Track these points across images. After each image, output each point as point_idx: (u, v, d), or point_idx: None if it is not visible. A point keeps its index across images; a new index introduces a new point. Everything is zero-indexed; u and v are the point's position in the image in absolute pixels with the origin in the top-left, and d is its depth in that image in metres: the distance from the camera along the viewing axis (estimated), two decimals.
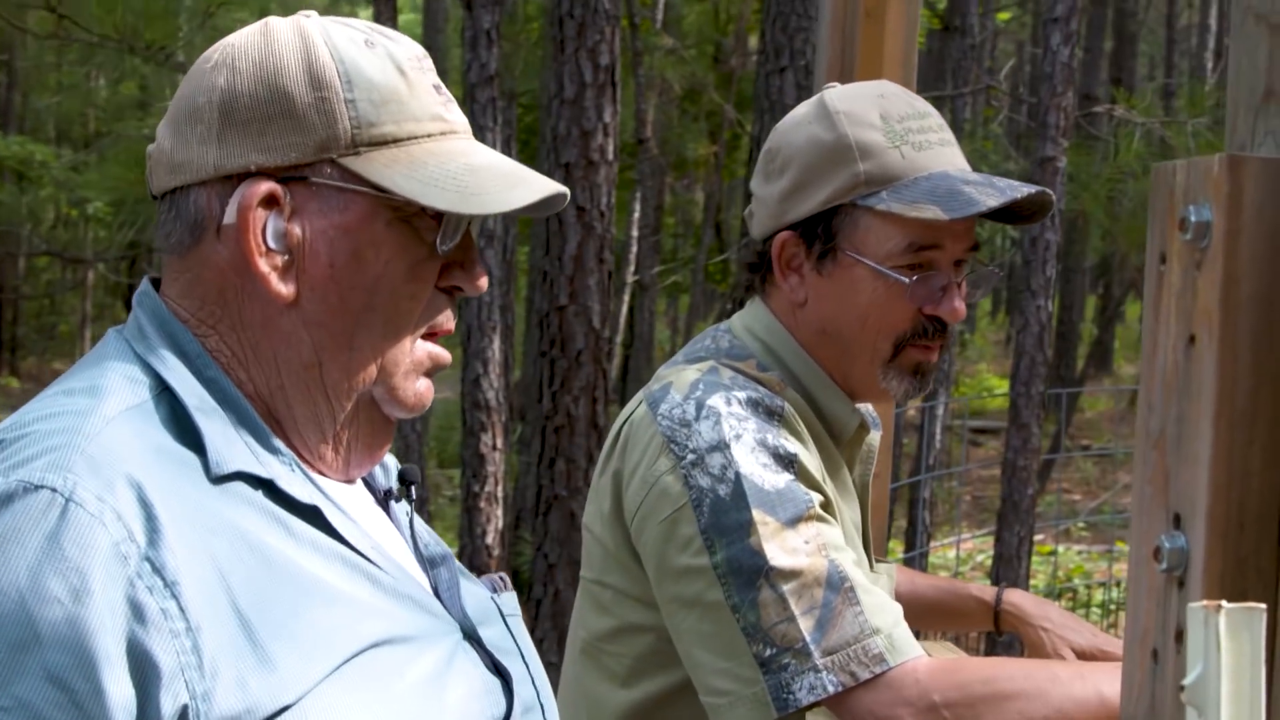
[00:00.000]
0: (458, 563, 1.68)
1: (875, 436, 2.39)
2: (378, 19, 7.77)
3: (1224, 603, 1.09)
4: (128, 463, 1.31)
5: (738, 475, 1.98)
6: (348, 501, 1.54)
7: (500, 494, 7.05)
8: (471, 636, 1.54)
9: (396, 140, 1.47)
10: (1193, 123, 5.91)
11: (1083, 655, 2.42)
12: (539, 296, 6.05)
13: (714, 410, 2.05)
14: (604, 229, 5.80)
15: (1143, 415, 1.28)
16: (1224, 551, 1.18)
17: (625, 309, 12.41)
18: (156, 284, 1.54)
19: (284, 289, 1.45)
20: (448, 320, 1.54)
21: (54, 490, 1.27)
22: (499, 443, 6.96)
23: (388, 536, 1.59)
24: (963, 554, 10.45)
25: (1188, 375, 1.21)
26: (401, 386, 1.51)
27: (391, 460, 1.71)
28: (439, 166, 1.47)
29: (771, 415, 2.07)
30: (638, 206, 11.56)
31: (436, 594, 1.58)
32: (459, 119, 1.54)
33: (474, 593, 1.64)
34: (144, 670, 1.25)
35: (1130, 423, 20.40)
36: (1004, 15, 20.00)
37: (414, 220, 1.47)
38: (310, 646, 1.34)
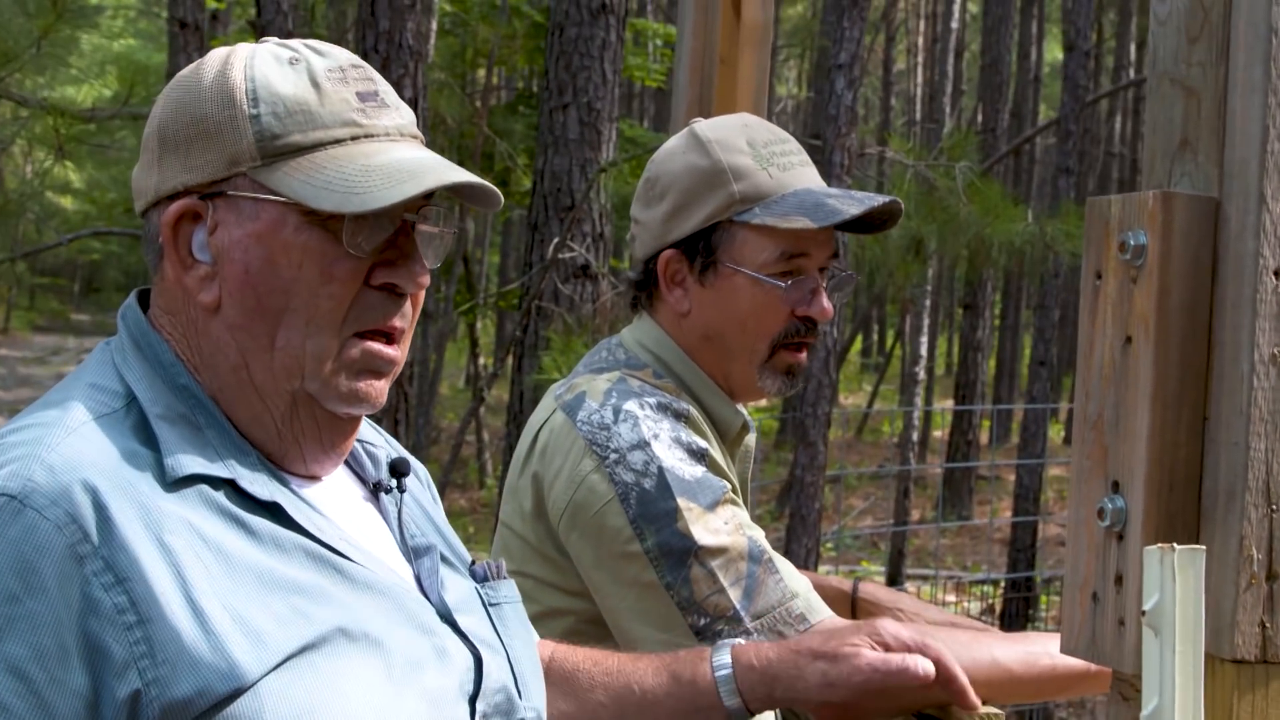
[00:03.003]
0: (448, 552, 1.78)
1: (752, 438, 2.66)
2: None
3: (1175, 545, 1.37)
4: (85, 470, 1.43)
5: (660, 469, 2.22)
6: (321, 497, 1.63)
7: None
8: (447, 622, 1.65)
9: (302, 149, 1.56)
10: (959, 166, 6.40)
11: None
12: None
13: (631, 414, 2.28)
14: None
15: (1080, 403, 1.56)
16: (1157, 509, 1.47)
17: None
18: (145, 295, 1.67)
19: (206, 297, 1.58)
20: (387, 318, 1.60)
21: (10, 496, 1.40)
22: None
23: (369, 528, 1.69)
24: None
25: (1124, 369, 1.50)
26: (333, 383, 1.58)
27: (383, 453, 1.80)
28: (336, 170, 1.55)
29: (679, 417, 2.31)
30: None
31: (419, 583, 1.68)
32: (384, 122, 1.61)
33: (457, 583, 1.74)
34: (98, 660, 1.38)
35: (858, 450, 21.16)
36: None
37: (329, 224, 1.55)
38: (265, 633, 1.44)
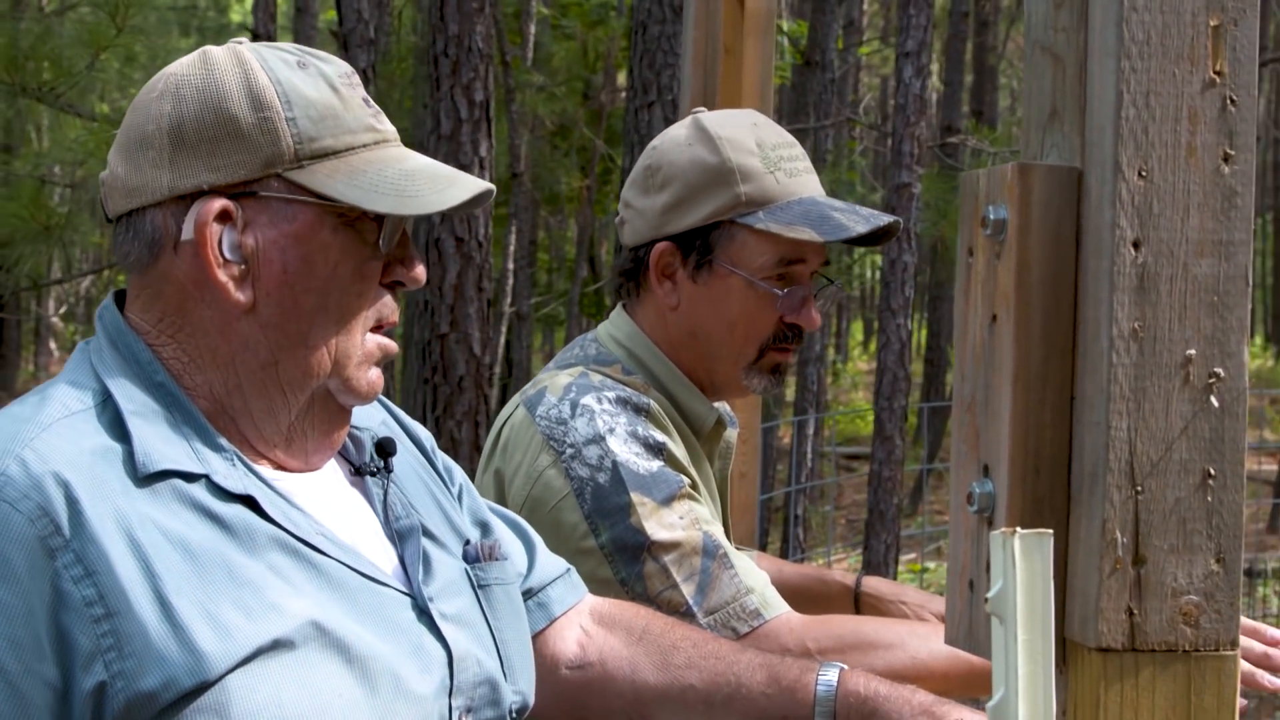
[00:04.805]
0: (443, 529, 1.79)
1: (732, 433, 2.62)
2: None
3: (1018, 529, 1.32)
4: (57, 463, 1.45)
5: (614, 464, 2.20)
6: (299, 489, 1.65)
7: None
8: (423, 611, 1.64)
9: (335, 152, 1.61)
10: None
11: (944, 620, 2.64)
12: (420, 325, 6.23)
13: (588, 408, 2.26)
14: (482, 259, 6.01)
15: (957, 385, 1.51)
16: (1023, 493, 1.41)
17: (503, 340, 12.61)
18: (122, 296, 1.68)
19: (241, 296, 1.59)
20: (392, 313, 1.68)
21: None
22: None
23: (351, 516, 1.70)
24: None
25: (991, 349, 1.45)
26: (355, 377, 1.64)
27: (367, 436, 1.81)
28: (377, 173, 1.61)
29: (639, 411, 2.29)
30: (513, 239, 11.77)
31: (403, 566, 1.69)
32: (389, 128, 1.69)
33: (446, 564, 1.74)
34: (66, 653, 1.40)
35: None
36: (865, 49, 20.47)
37: (357, 224, 1.61)
38: (233, 627, 1.45)
